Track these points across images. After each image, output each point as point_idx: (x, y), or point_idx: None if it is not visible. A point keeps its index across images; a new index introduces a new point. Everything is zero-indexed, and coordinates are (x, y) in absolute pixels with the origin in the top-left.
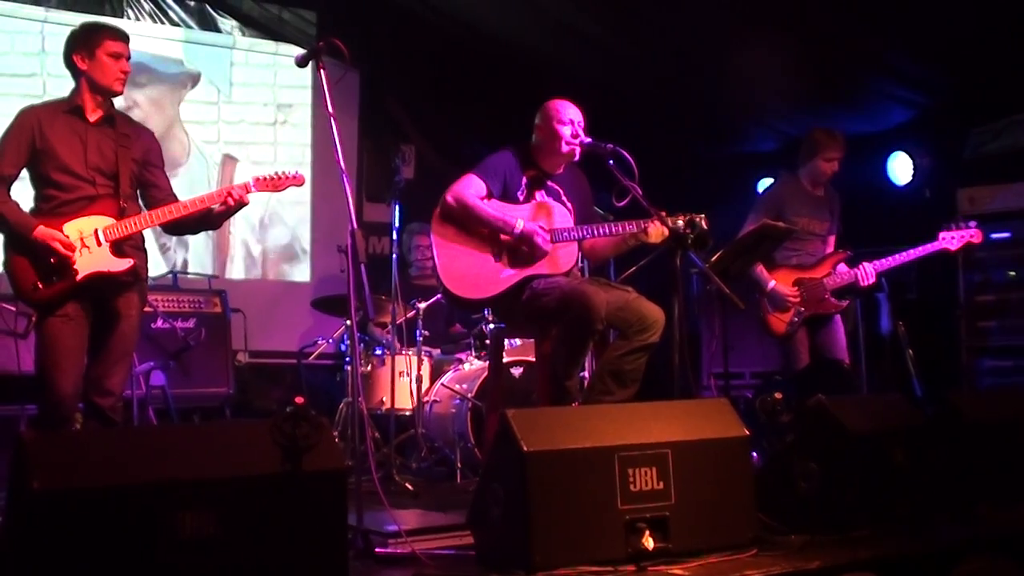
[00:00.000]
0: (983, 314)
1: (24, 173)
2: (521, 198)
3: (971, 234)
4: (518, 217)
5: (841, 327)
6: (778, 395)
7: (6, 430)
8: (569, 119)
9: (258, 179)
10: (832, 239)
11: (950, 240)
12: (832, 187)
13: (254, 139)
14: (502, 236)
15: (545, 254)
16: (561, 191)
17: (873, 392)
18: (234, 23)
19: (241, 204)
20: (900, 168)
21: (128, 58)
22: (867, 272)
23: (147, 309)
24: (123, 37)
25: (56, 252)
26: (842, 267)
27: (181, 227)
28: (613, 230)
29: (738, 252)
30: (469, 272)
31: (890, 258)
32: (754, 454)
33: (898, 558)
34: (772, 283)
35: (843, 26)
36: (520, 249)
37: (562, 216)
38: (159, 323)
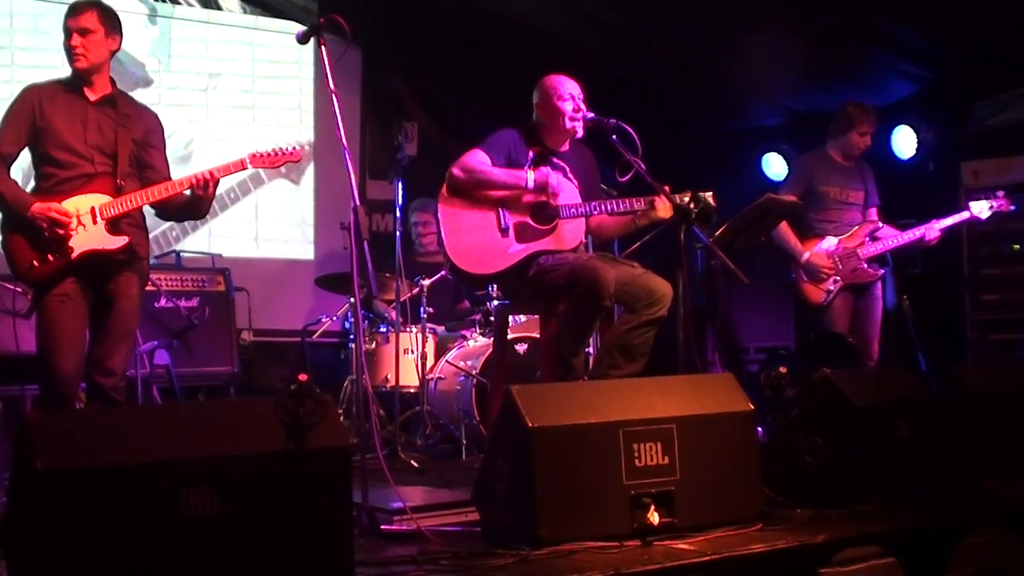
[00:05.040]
0: (987, 287)
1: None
2: None
3: (999, 204)
4: (526, 170)
5: (880, 300)
6: (783, 369)
7: (9, 410)
8: (569, 94)
9: (254, 155)
10: (874, 211)
11: (979, 210)
12: (862, 159)
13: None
14: (521, 196)
15: (555, 198)
16: (567, 168)
17: (878, 366)
18: (236, 1)
19: (215, 184)
20: (904, 142)
21: (82, 31)
22: (933, 232)
23: (150, 288)
24: (72, 11)
25: (54, 223)
26: (885, 232)
27: (168, 212)
28: (620, 206)
29: (742, 226)
30: (476, 247)
31: (922, 226)
32: (759, 429)
33: (904, 532)
34: (807, 255)
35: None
36: (529, 224)
37: (568, 192)
38: (163, 302)
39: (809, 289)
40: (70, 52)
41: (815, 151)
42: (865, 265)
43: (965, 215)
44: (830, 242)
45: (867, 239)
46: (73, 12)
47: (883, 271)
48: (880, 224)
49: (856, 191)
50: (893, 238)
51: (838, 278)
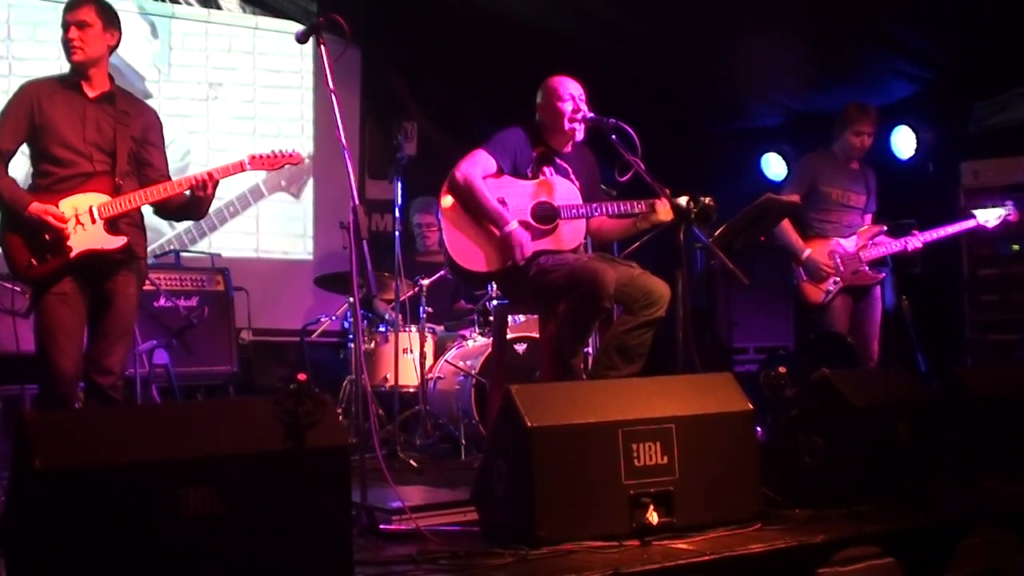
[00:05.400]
0: (987, 288)
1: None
2: (530, 174)
3: (1008, 213)
4: (513, 219)
5: (879, 301)
6: (782, 369)
7: (9, 409)
8: (569, 95)
9: (253, 157)
10: (870, 217)
11: (986, 219)
12: (867, 164)
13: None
14: (524, 197)
15: (509, 261)
16: (569, 169)
17: (878, 366)
18: (235, 0)
19: (214, 185)
20: (903, 142)
21: (79, 24)
22: (916, 243)
23: (149, 287)
24: (70, 5)
25: (49, 227)
26: (882, 238)
27: (167, 211)
28: (621, 208)
29: (741, 226)
30: (476, 245)
31: (928, 232)
32: (758, 429)
33: (903, 532)
34: (808, 252)
35: (847, 0)
36: (529, 224)
37: (569, 193)
38: (162, 301)
39: (808, 288)
40: (67, 45)
41: (820, 151)
42: (866, 268)
43: (971, 223)
44: (846, 243)
45: (870, 242)
46: (71, 6)
47: (883, 274)
48: (884, 228)
49: (858, 195)
50: (885, 245)
51: (838, 279)
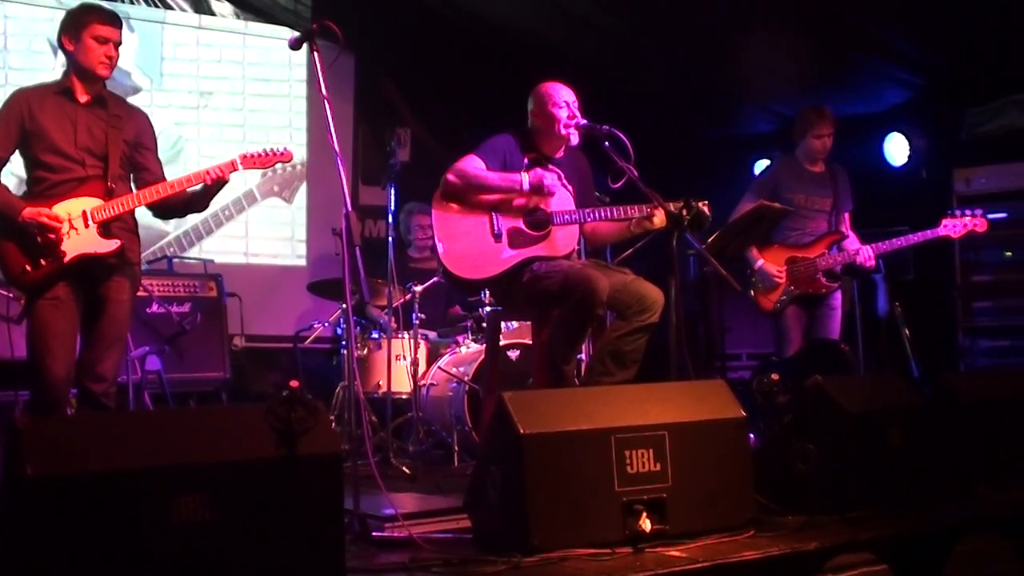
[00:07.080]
0: (979, 294)
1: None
2: None
3: (975, 223)
4: (520, 172)
5: (838, 310)
6: (775, 376)
7: (1, 416)
8: (564, 101)
9: (245, 156)
10: (847, 216)
11: (952, 228)
12: (836, 163)
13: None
14: (514, 200)
15: (551, 198)
16: (561, 174)
17: (870, 373)
18: (229, 7)
19: (222, 182)
20: (896, 149)
21: (117, 43)
22: (867, 254)
23: (142, 293)
24: (112, 21)
25: (44, 227)
26: (850, 243)
27: (168, 210)
28: (616, 214)
29: (735, 233)
30: (469, 252)
31: (889, 241)
32: (751, 435)
33: (896, 539)
34: (760, 262)
35: (840, 6)
36: (522, 230)
37: (563, 199)
38: (154, 307)
39: (760, 297)
40: (104, 60)
41: (785, 157)
42: (821, 276)
43: (938, 232)
44: (805, 251)
45: (827, 250)
46: (114, 23)
47: (837, 284)
48: (848, 234)
49: (824, 198)
50: (840, 256)
51: (792, 288)
